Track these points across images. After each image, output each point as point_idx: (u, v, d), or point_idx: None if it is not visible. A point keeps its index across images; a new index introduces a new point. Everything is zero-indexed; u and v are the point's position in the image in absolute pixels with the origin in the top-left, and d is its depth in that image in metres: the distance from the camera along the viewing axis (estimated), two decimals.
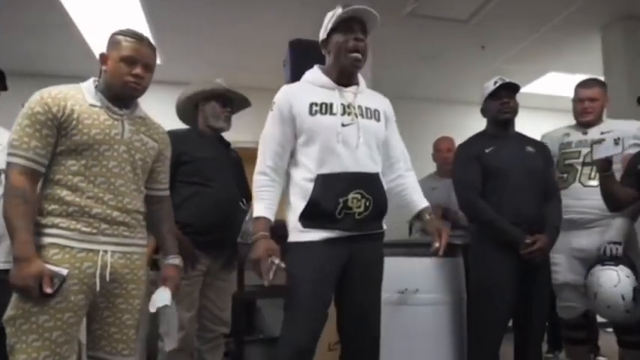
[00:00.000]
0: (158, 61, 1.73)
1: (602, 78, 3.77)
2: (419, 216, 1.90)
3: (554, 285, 2.50)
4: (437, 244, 1.82)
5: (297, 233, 1.68)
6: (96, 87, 1.60)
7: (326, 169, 1.66)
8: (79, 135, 1.49)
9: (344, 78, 1.77)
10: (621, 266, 2.18)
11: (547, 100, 5.31)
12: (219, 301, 2.30)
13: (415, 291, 2.34)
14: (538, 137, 2.56)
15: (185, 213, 2.17)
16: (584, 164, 2.49)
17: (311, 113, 1.69)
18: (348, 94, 1.76)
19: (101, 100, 1.57)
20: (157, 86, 4.97)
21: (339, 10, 1.73)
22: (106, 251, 1.51)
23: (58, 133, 1.48)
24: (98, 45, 4.18)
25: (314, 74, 1.81)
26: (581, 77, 2.78)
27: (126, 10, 3.67)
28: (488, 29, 3.93)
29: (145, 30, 3.93)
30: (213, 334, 2.29)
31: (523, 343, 2.30)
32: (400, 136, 1.94)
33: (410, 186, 1.90)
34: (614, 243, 2.26)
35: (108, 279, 1.51)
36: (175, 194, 2.20)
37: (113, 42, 1.60)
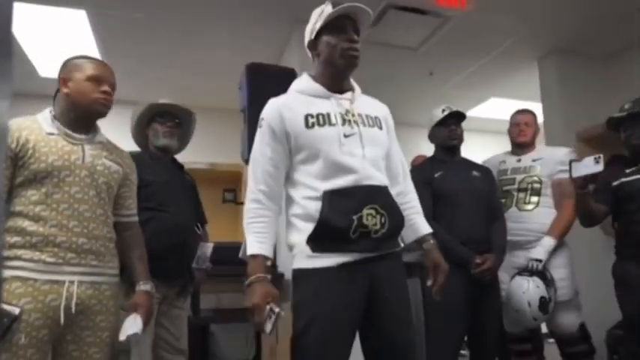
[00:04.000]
0: None
1: (539, 105, 4.04)
2: (419, 241, 1.69)
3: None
4: (429, 282, 1.65)
5: (306, 259, 1.44)
6: (53, 116, 1.58)
7: (333, 185, 1.44)
8: (36, 163, 1.46)
9: (337, 83, 1.58)
10: (535, 277, 2.38)
11: (489, 123, 5.59)
12: (175, 330, 2.20)
13: None
14: (480, 159, 2.70)
15: None
16: (519, 190, 2.67)
17: (307, 126, 1.47)
18: (344, 101, 1.55)
19: (58, 128, 1.55)
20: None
21: (328, 7, 1.52)
22: (72, 282, 1.47)
23: (14, 165, 1.45)
24: (44, 66, 4.07)
25: (304, 82, 1.59)
26: (521, 103, 2.97)
27: (77, 36, 3.62)
28: (436, 57, 4.13)
29: (95, 53, 3.85)
30: None
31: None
32: None
33: (414, 206, 1.70)
34: (536, 260, 2.45)
35: (74, 311, 1.45)
36: None
37: (74, 65, 1.61)
